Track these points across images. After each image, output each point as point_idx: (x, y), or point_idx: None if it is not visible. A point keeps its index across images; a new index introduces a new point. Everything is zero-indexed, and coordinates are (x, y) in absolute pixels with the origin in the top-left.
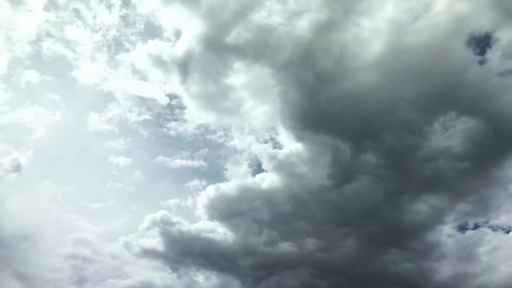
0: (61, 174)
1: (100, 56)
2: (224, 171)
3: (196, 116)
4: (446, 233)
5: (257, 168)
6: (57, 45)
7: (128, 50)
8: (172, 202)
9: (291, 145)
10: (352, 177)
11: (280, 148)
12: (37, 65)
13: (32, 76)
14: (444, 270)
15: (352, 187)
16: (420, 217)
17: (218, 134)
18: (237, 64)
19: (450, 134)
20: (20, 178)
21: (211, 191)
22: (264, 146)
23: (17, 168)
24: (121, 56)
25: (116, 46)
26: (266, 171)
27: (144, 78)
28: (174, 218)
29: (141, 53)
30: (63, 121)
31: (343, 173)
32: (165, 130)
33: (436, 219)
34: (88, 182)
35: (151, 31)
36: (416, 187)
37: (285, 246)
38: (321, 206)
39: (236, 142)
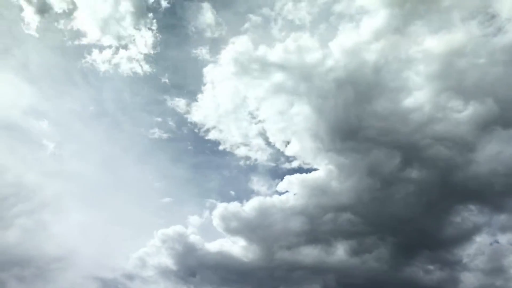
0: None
1: None
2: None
3: None
4: (479, 245)
5: None
6: None
7: None
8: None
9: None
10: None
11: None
12: None
13: None
14: (473, 281)
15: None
16: (456, 228)
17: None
18: None
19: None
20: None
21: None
22: None
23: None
24: None
25: None
26: None
27: None
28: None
29: None
30: None
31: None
32: None
33: (471, 231)
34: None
35: None
36: (458, 199)
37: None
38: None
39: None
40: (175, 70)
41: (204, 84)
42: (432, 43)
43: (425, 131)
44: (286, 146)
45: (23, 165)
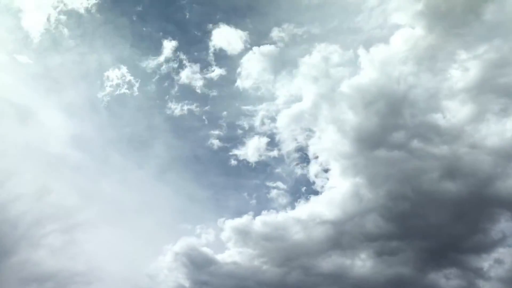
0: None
1: None
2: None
3: None
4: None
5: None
6: None
7: None
8: None
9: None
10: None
11: None
12: None
13: None
14: None
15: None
16: (484, 235)
17: None
18: None
19: None
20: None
21: None
22: None
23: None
24: None
25: None
26: None
27: None
28: None
29: None
30: None
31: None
32: None
33: (498, 240)
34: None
35: None
36: (490, 207)
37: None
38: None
39: None
40: None
41: None
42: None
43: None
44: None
45: (64, 188)
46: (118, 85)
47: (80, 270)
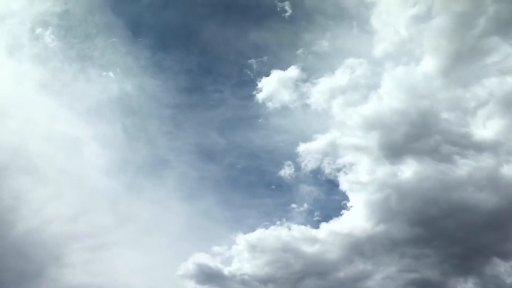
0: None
1: None
2: None
3: None
4: None
5: None
6: None
7: None
8: None
9: None
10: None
11: None
12: None
13: None
14: None
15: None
16: None
17: None
18: None
19: None
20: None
21: None
22: None
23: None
24: None
25: None
26: None
27: None
28: None
29: None
30: None
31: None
32: None
33: None
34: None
35: None
36: None
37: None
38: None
39: None
40: None
41: None
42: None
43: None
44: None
45: (96, 211)
46: None
47: (104, 285)
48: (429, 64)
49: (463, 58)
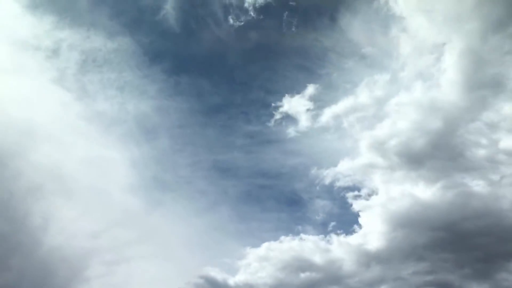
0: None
1: None
2: None
3: None
4: None
5: None
6: None
7: None
8: None
9: None
10: None
11: None
12: None
13: None
14: None
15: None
16: None
17: None
18: None
19: None
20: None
21: None
22: None
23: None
24: None
25: None
26: None
27: None
28: None
29: None
30: None
31: None
32: None
33: None
34: None
35: None
36: None
37: None
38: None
39: None
40: None
41: None
42: None
43: None
44: None
45: (118, 227)
46: None
47: None
48: None
49: None
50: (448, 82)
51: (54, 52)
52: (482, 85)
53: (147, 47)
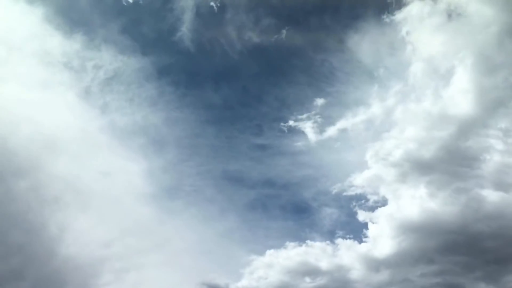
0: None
1: None
2: None
3: None
4: None
5: None
6: None
7: None
8: None
9: None
10: None
11: None
12: None
13: None
14: None
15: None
16: None
17: None
18: None
19: None
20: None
21: None
22: None
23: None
24: None
25: None
26: None
27: None
28: None
29: None
30: None
31: None
32: None
33: None
34: None
35: None
36: None
37: None
38: None
39: None
40: None
41: None
42: None
43: None
44: None
45: (131, 236)
46: None
47: None
48: None
49: None
50: (460, 89)
51: (81, 69)
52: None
53: (163, 66)
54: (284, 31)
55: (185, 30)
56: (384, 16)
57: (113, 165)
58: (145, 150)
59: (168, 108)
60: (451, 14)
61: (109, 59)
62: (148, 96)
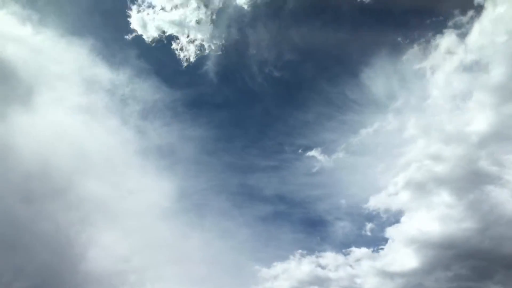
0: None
1: None
2: None
3: None
4: None
5: None
6: None
7: None
8: None
9: None
10: None
11: None
12: None
13: None
14: None
15: None
16: None
17: None
18: None
19: None
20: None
21: None
22: None
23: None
24: None
25: None
26: None
27: None
28: None
29: None
30: None
31: None
32: None
33: None
34: None
35: None
36: None
37: None
38: None
39: None
40: None
41: None
42: None
43: None
44: None
45: (150, 249)
46: None
47: None
48: None
49: None
50: (477, 108)
51: (125, 98)
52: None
53: (193, 96)
54: (302, 66)
55: (210, 64)
56: (396, 54)
57: (140, 184)
58: (168, 171)
59: (194, 131)
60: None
61: (150, 90)
62: (179, 122)
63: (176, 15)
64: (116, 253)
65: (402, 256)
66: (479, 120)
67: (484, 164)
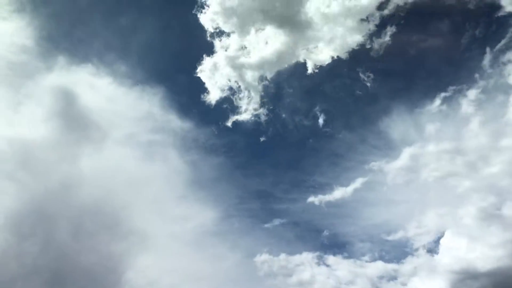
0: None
1: None
2: None
3: None
4: None
5: None
6: None
7: None
8: None
9: None
10: None
11: None
12: None
13: None
14: None
15: None
16: None
17: None
18: None
19: None
20: None
21: None
22: None
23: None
24: None
25: None
26: None
27: None
28: None
29: None
30: None
31: None
32: None
33: None
34: None
35: None
36: None
37: None
38: None
39: None
40: None
41: None
42: None
43: None
44: None
45: (172, 273)
46: None
47: None
48: None
49: None
50: None
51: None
52: None
53: (225, 142)
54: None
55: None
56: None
57: (182, 212)
58: (207, 201)
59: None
60: None
61: (204, 137)
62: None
63: None
64: (145, 278)
65: None
66: None
67: None
